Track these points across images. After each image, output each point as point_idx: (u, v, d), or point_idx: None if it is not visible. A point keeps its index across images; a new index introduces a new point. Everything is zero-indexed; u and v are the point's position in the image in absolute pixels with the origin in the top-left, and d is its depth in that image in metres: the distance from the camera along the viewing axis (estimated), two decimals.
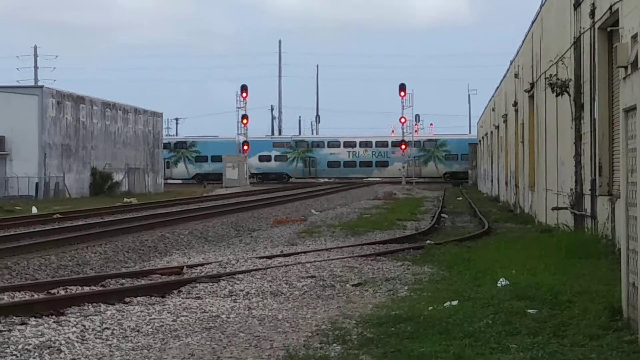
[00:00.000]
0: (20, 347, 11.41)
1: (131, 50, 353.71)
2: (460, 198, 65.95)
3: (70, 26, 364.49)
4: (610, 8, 20.40)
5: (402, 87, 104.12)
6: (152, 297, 16.08)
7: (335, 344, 11.32)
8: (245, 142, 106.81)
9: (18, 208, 51.89)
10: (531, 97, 37.41)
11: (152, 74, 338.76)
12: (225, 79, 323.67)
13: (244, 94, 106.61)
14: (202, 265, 21.55)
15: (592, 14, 22.39)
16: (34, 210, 48.07)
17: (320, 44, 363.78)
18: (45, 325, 13.01)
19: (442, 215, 41.96)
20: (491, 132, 69.63)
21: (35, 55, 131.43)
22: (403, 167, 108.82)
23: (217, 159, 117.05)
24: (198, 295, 16.36)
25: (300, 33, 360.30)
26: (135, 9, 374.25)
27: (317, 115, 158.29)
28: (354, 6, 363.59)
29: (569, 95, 25.39)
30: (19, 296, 16.25)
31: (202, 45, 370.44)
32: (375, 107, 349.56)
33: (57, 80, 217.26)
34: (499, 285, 15.40)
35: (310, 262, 21.03)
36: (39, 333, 12.29)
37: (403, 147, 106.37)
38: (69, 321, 13.33)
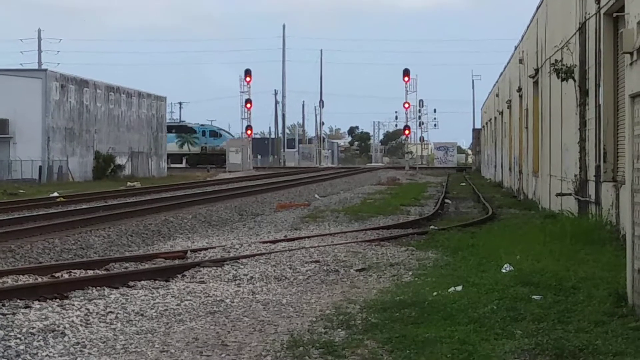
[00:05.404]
0: (24, 330, 11.40)
1: (126, 34, 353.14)
2: (463, 184, 65.95)
3: (72, 10, 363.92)
4: None
5: (406, 72, 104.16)
6: (156, 281, 16.07)
7: (339, 329, 11.31)
8: (248, 127, 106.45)
9: (22, 191, 51.91)
10: (535, 83, 37.32)
11: (151, 57, 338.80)
12: (224, 62, 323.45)
13: (248, 78, 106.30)
14: (206, 249, 21.53)
15: None
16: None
17: (319, 28, 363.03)
18: (49, 308, 13.00)
19: (446, 200, 41.92)
20: (495, 118, 69.52)
21: (39, 39, 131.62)
22: None
23: None
24: (202, 280, 16.34)
25: (300, 17, 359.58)
26: None
27: (321, 100, 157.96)
28: None
29: (574, 81, 25.31)
30: (23, 279, 16.25)
31: (199, 30, 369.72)
32: (378, 92, 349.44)
33: (61, 63, 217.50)
34: (503, 271, 15.38)
35: (314, 247, 20.99)
36: (43, 316, 12.28)
37: (407, 132, 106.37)
38: (73, 305, 13.32)
